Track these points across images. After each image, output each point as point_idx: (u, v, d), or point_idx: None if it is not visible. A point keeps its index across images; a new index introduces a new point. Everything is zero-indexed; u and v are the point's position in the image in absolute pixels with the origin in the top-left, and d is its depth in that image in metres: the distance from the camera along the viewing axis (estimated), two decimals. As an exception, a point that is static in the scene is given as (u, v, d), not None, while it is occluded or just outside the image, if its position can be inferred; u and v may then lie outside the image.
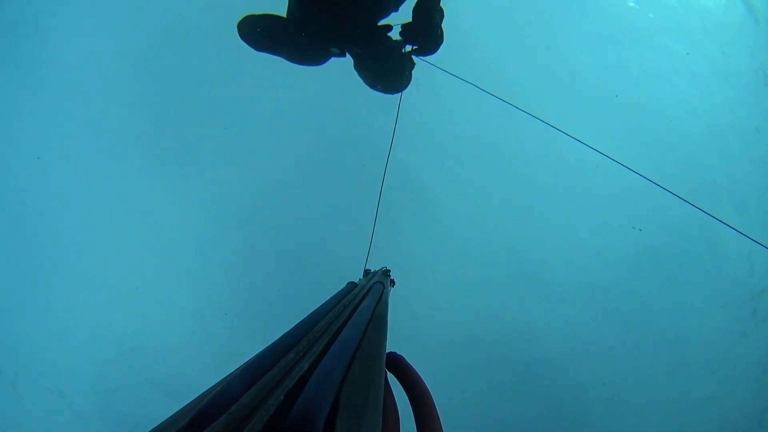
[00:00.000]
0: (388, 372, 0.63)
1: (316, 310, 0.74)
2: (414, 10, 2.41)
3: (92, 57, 12.08)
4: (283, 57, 2.65)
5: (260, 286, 12.60)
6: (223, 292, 12.58)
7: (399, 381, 0.63)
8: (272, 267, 12.68)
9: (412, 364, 0.65)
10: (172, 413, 0.39)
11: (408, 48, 2.70)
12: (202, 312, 12.47)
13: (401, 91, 3.06)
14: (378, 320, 0.71)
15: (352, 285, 1.01)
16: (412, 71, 2.91)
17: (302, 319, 0.68)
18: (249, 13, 2.54)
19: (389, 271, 1.27)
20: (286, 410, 0.39)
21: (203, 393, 0.44)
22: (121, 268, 12.39)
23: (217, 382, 0.47)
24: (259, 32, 2.49)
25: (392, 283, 1.21)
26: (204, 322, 12.44)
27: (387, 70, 2.76)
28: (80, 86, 12.07)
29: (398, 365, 0.65)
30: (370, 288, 0.95)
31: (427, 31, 2.47)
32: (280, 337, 0.58)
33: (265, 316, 12.15)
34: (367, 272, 1.31)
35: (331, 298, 0.85)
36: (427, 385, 0.60)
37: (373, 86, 2.96)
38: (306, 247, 12.89)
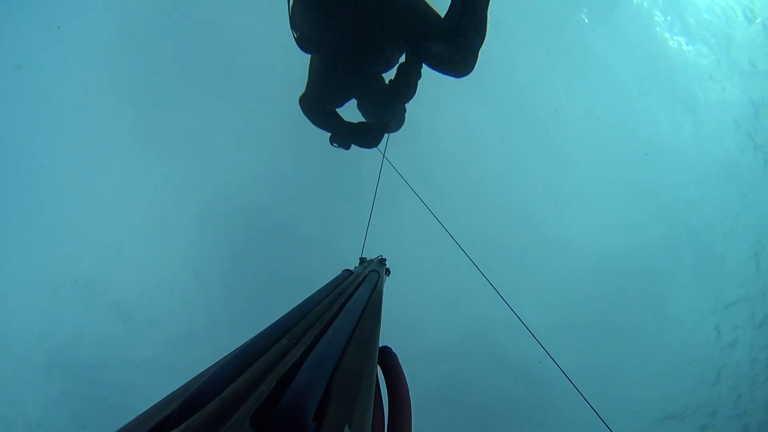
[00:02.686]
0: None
1: (310, 296, 0.74)
2: (400, 67, 2.45)
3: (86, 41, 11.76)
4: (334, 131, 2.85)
5: (254, 274, 12.59)
6: (219, 279, 12.58)
7: (384, 375, 0.63)
8: (266, 254, 12.67)
9: (401, 363, 0.65)
10: (161, 398, 0.39)
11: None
12: (200, 298, 12.50)
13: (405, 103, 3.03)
14: (372, 309, 0.71)
15: (347, 272, 1.01)
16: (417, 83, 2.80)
17: (296, 305, 0.68)
18: (306, 93, 2.76)
19: (385, 260, 1.27)
20: (277, 396, 0.39)
21: (195, 377, 0.44)
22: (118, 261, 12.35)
23: (208, 366, 0.47)
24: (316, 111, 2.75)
25: (387, 272, 1.21)
26: (200, 308, 12.48)
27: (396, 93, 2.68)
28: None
29: (387, 359, 0.65)
30: (366, 276, 0.95)
31: (409, 88, 2.50)
32: (274, 323, 0.58)
33: (260, 302, 12.20)
34: (363, 260, 1.31)
35: (326, 285, 0.85)
36: (408, 387, 0.60)
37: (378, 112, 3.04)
38: (302, 234, 12.85)
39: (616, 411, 11.87)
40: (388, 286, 1.12)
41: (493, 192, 12.87)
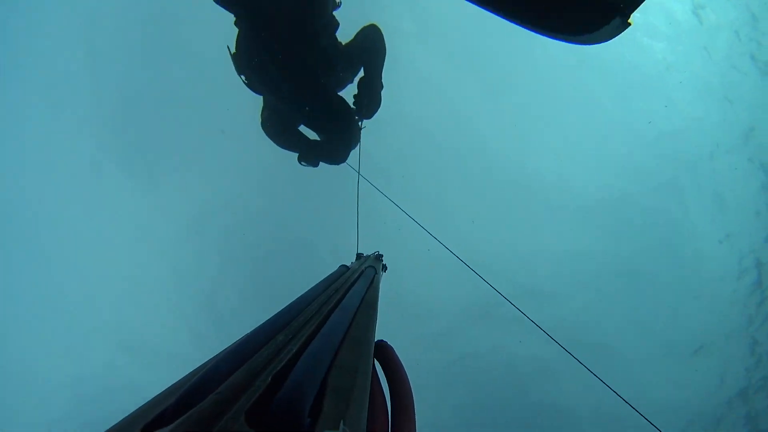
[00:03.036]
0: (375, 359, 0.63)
1: (307, 292, 0.74)
2: (360, 83, 2.73)
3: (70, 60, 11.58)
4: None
5: (256, 285, 12.55)
6: (220, 296, 12.58)
7: (383, 369, 0.63)
8: (266, 263, 12.63)
9: (398, 356, 0.65)
10: (160, 391, 0.39)
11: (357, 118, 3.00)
12: (207, 323, 12.49)
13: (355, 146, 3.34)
14: (368, 305, 0.72)
15: (344, 268, 1.01)
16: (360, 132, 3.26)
17: (293, 301, 0.68)
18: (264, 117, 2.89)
19: (382, 256, 1.27)
20: (273, 392, 0.39)
21: (191, 372, 0.44)
22: (108, 271, 12.31)
23: (205, 361, 0.47)
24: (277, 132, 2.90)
25: (384, 268, 1.21)
26: (211, 332, 12.49)
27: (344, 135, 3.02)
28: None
29: (384, 354, 0.65)
30: (362, 272, 0.95)
31: (373, 101, 2.79)
32: (270, 319, 0.58)
33: (264, 307, 12.12)
34: (359, 256, 1.31)
35: (322, 280, 0.85)
36: (409, 379, 0.60)
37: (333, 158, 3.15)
38: (302, 241, 12.81)
39: (647, 351, 11.80)
40: (385, 280, 1.12)
41: (489, 156, 12.55)
